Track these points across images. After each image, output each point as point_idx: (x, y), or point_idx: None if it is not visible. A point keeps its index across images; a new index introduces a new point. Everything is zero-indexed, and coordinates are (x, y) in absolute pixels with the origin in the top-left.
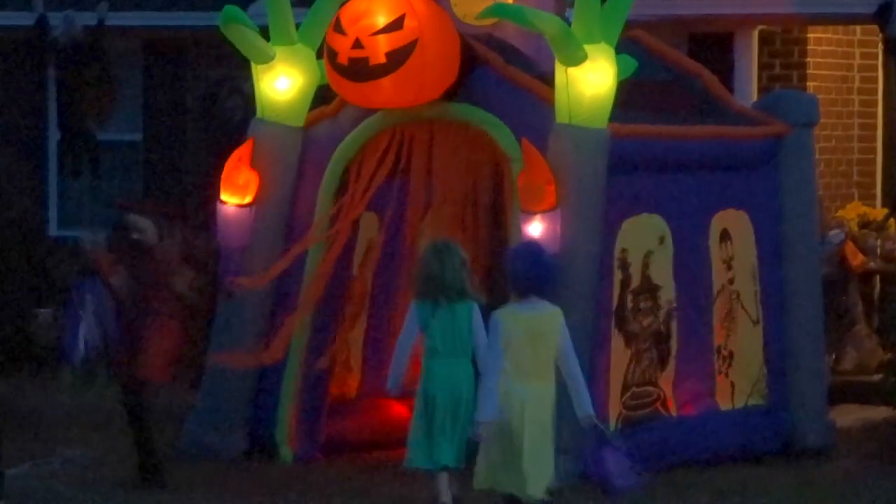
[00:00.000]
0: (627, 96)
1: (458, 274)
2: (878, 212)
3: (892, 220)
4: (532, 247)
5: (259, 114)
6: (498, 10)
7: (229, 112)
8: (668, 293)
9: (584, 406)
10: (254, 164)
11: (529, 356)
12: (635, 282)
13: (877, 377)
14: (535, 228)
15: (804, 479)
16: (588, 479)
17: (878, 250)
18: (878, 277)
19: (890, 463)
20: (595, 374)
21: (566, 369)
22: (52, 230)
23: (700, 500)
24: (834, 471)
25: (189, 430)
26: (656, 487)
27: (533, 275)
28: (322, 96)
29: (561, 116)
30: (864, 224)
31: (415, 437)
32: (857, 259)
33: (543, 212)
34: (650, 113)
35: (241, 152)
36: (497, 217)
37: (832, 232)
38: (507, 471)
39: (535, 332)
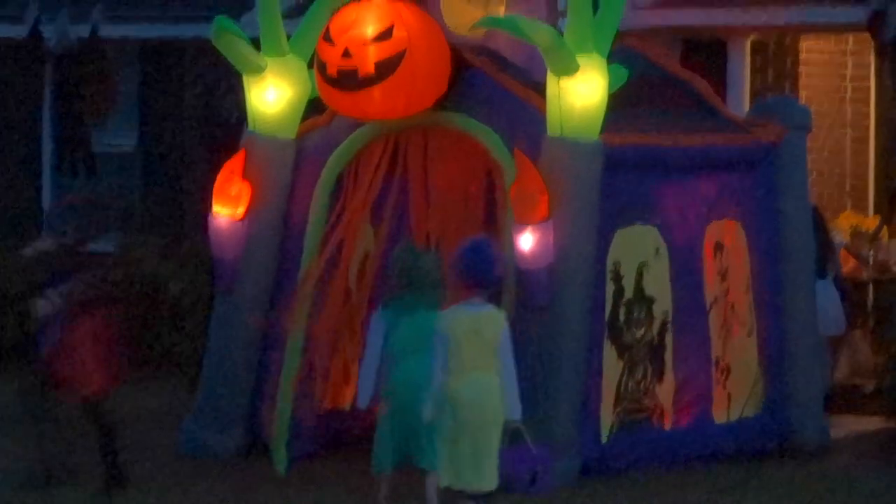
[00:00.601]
0: (620, 102)
1: (431, 276)
2: (871, 221)
3: (884, 229)
4: (476, 244)
5: (250, 126)
6: (491, 21)
7: (226, 112)
8: (662, 305)
9: (512, 410)
10: (246, 176)
11: (472, 354)
12: (629, 293)
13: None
14: (528, 239)
15: (802, 475)
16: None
17: (871, 260)
18: (870, 287)
19: (885, 461)
20: (588, 385)
21: (502, 371)
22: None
23: (699, 495)
24: (831, 467)
25: (187, 429)
26: (655, 483)
27: (474, 272)
28: (315, 106)
29: (553, 128)
30: (857, 234)
31: (382, 443)
32: (847, 265)
33: (536, 222)
34: (643, 119)
35: (234, 164)
36: (491, 226)
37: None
38: (467, 467)
39: (477, 331)
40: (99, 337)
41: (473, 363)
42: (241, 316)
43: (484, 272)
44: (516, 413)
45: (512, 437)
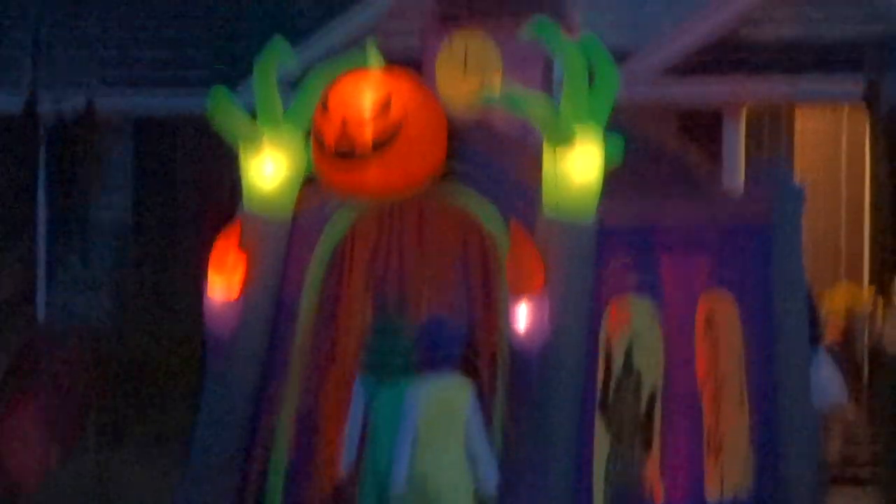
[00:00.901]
0: (614, 175)
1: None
2: (867, 294)
3: (880, 304)
4: (435, 322)
5: (245, 204)
6: (488, 100)
7: (220, 188)
8: (651, 378)
9: (485, 483)
10: (242, 249)
11: (439, 425)
12: (618, 366)
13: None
14: (523, 310)
15: None
16: None
17: (866, 332)
18: (865, 360)
19: None
20: (579, 461)
21: (470, 443)
22: (41, 308)
23: None
24: None
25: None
26: None
27: (434, 350)
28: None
29: (549, 203)
30: (854, 306)
31: None
32: (833, 335)
33: (532, 294)
34: (637, 193)
35: (230, 234)
36: (487, 299)
37: None
38: None
39: (444, 402)
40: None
41: (440, 435)
42: (231, 387)
43: (444, 351)
44: (490, 486)
45: None
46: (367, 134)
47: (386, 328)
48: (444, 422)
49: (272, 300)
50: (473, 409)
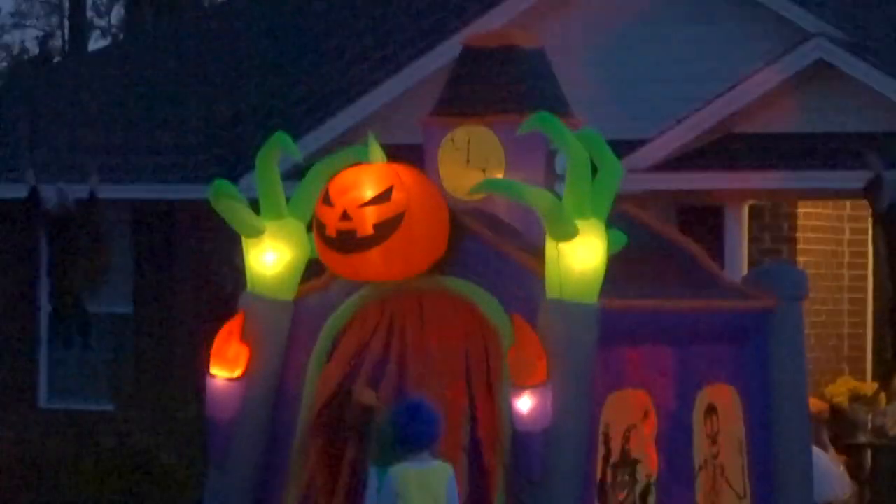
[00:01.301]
0: (616, 266)
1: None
2: (869, 386)
3: (882, 394)
4: (412, 405)
5: (249, 287)
6: (490, 185)
7: (221, 283)
8: (646, 467)
9: None
10: (244, 337)
11: None
12: (615, 455)
13: None
14: (526, 402)
15: None
16: None
17: (869, 425)
18: (868, 452)
19: None
20: None
21: None
22: (42, 401)
23: None
24: None
25: None
26: None
27: (411, 432)
28: (314, 267)
29: (552, 291)
30: (855, 398)
31: None
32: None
33: (534, 386)
34: (639, 284)
35: (232, 326)
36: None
37: None
38: None
39: (424, 486)
40: None
41: None
42: (232, 486)
43: (420, 433)
44: None
45: None
46: (369, 220)
47: (391, 416)
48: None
49: (274, 382)
50: (451, 490)
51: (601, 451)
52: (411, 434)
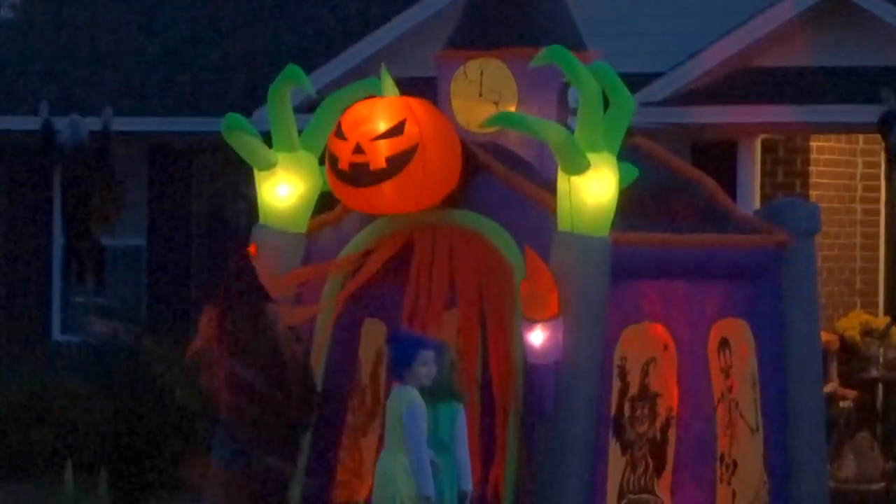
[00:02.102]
0: (629, 201)
1: (447, 375)
2: (881, 320)
3: (894, 328)
4: (395, 337)
5: (261, 220)
6: (502, 119)
7: (235, 217)
8: (667, 401)
9: (421, 486)
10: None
11: (389, 432)
12: (633, 389)
13: (878, 486)
14: (538, 335)
15: None
16: None
17: (881, 359)
18: (880, 386)
19: None
20: (593, 481)
21: (407, 447)
22: (56, 334)
23: None
24: None
25: None
26: None
27: (392, 362)
28: (327, 200)
29: (563, 225)
30: (867, 332)
31: None
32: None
33: (546, 320)
34: (652, 219)
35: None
36: (501, 323)
37: None
38: None
39: (391, 410)
40: None
41: (389, 441)
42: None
43: (399, 362)
44: (426, 489)
45: None
46: (382, 153)
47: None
48: (391, 427)
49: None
50: (409, 414)
51: (617, 384)
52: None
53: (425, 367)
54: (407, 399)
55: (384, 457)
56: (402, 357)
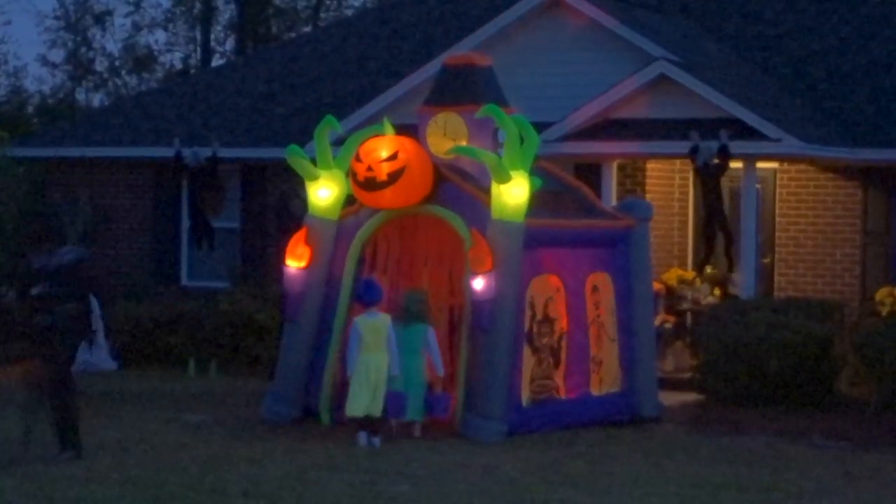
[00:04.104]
0: (536, 200)
1: (418, 306)
2: (689, 273)
3: (697, 278)
4: (367, 281)
5: (310, 212)
6: (459, 150)
7: (295, 210)
8: (560, 323)
9: (392, 369)
10: (307, 242)
11: (372, 342)
12: (539, 315)
13: (688, 375)
14: (479, 282)
15: (643, 436)
16: None
17: (689, 297)
18: (689, 315)
19: (697, 427)
20: (513, 372)
21: (388, 349)
22: (184, 280)
23: (582, 447)
24: (662, 431)
25: (266, 404)
26: (555, 437)
27: (363, 298)
28: (350, 200)
29: (495, 214)
30: (682, 281)
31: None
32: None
33: (484, 272)
34: (550, 211)
35: (300, 235)
36: (458, 274)
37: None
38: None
39: (376, 329)
40: None
41: (373, 347)
42: (300, 334)
43: (368, 297)
44: (395, 370)
45: (392, 383)
46: (384, 171)
47: (410, 294)
48: (375, 339)
49: (326, 270)
50: (390, 331)
51: (528, 313)
52: (365, 297)
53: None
54: (388, 320)
55: (375, 356)
56: (374, 294)
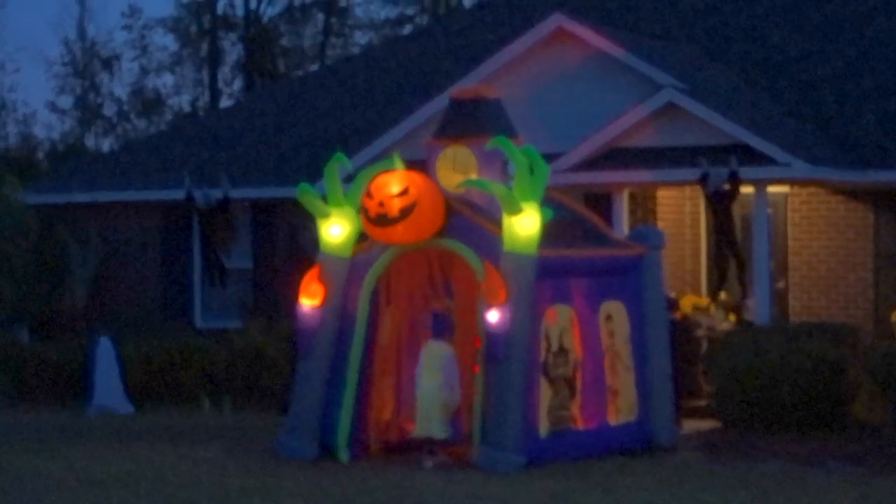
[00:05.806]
0: (548, 230)
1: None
2: (703, 300)
3: (711, 305)
4: (442, 315)
5: (323, 250)
6: (469, 183)
7: (304, 243)
8: (574, 353)
9: (450, 398)
10: (321, 280)
11: (431, 369)
12: (554, 346)
13: (703, 402)
14: (493, 314)
15: (659, 464)
16: None
17: (704, 324)
18: (705, 341)
19: (712, 454)
20: (530, 403)
21: (444, 378)
22: (198, 322)
23: (595, 477)
24: (678, 459)
25: (280, 439)
26: (573, 468)
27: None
28: (362, 236)
29: (507, 246)
30: (696, 308)
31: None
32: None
33: (498, 304)
34: (562, 241)
35: (313, 273)
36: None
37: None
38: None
39: (434, 356)
40: None
41: (433, 375)
42: (314, 369)
43: (435, 328)
44: (453, 400)
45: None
46: (396, 207)
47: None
48: (432, 368)
49: (339, 308)
50: (448, 360)
51: (544, 343)
52: (434, 328)
53: None
54: (447, 350)
55: (432, 384)
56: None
